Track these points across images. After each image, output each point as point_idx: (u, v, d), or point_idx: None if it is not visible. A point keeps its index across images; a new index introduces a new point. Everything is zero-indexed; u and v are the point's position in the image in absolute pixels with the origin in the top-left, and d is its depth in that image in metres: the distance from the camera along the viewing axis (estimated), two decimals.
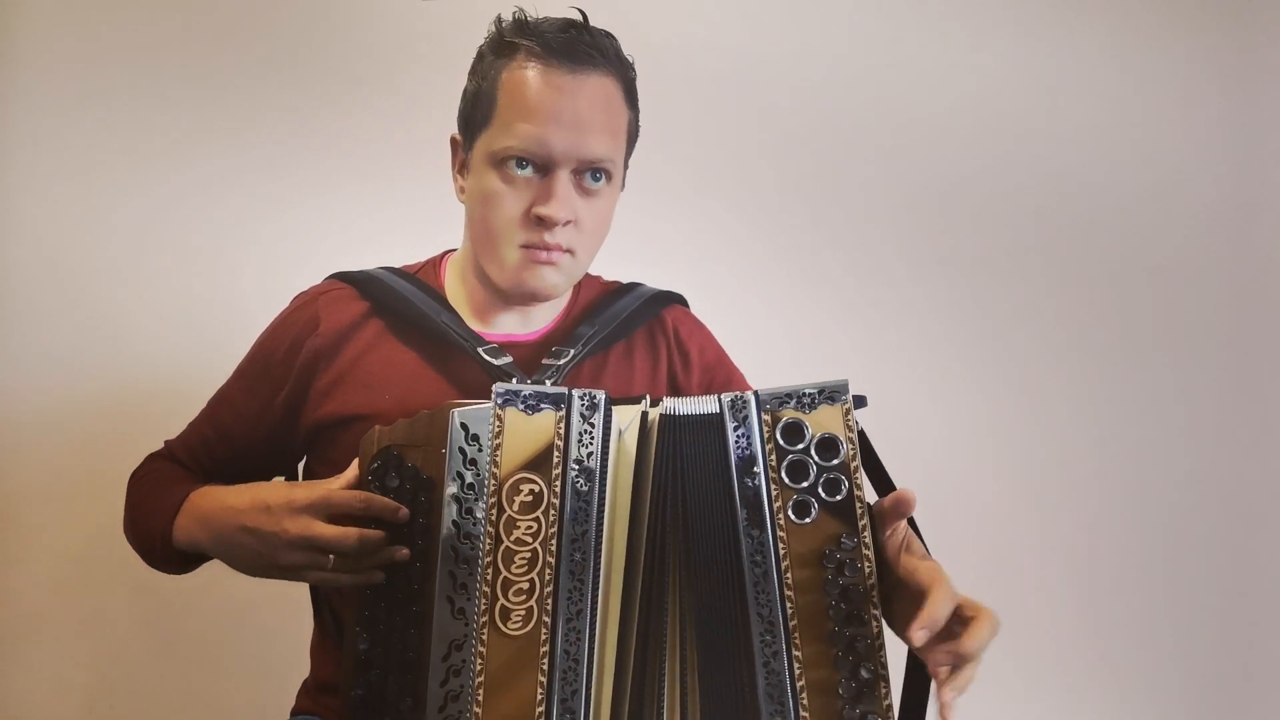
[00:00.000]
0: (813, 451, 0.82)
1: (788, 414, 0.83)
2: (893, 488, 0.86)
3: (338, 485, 0.88)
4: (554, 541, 0.80)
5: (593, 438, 0.82)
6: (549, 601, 0.80)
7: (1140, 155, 1.62)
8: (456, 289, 1.08)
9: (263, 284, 1.45)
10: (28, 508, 1.45)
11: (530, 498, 0.81)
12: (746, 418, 0.83)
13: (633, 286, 1.13)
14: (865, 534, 0.81)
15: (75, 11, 1.48)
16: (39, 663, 1.44)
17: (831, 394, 0.83)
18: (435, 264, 1.12)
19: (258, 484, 0.95)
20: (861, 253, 1.60)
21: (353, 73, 1.51)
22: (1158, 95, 1.63)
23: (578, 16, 1.00)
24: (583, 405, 0.83)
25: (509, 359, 1.00)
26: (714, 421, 0.84)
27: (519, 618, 0.79)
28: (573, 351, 1.02)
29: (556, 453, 0.81)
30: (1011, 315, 1.61)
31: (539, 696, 0.79)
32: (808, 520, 0.81)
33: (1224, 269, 1.62)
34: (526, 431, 0.82)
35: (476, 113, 0.99)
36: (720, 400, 0.84)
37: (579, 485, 0.81)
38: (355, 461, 0.89)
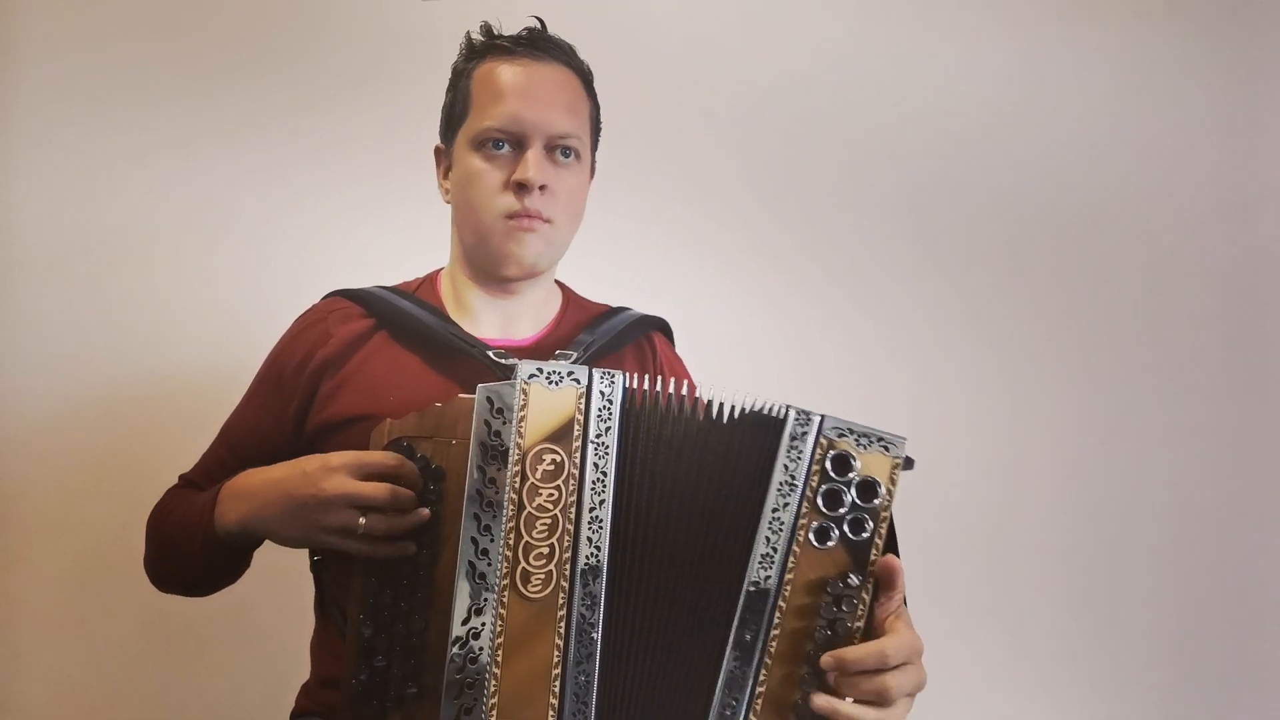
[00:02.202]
0: (853, 488, 0.86)
1: (843, 445, 0.87)
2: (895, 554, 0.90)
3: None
4: (573, 510, 0.84)
5: (610, 414, 0.87)
6: (567, 567, 0.83)
7: (1135, 153, 1.62)
8: (450, 299, 1.14)
9: (265, 284, 1.48)
10: (30, 508, 1.45)
11: (552, 467, 0.85)
12: (806, 434, 0.87)
13: (621, 309, 1.19)
14: (870, 580, 0.85)
15: (77, 12, 1.50)
16: (40, 663, 1.44)
17: (888, 444, 0.87)
18: (431, 280, 1.17)
19: (294, 459, 0.97)
20: (852, 257, 1.61)
21: (355, 73, 1.55)
22: (1152, 93, 1.63)
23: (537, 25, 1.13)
24: (603, 383, 0.88)
25: (515, 361, 1.04)
26: (774, 425, 0.88)
27: (539, 581, 0.83)
28: (575, 355, 1.07)
29: (577, 426, 0.86)
30: (1005, 317, 1.61)
31: (555, 659, 0.82)
32: (825, 547, 0.85)
33: (1219, 267, 1.61)
34: (549, 405, 0.86)
35: (455, 111, 1.11)
36: (789, 409, 0.88)
37: (597, 458, 0.86)
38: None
